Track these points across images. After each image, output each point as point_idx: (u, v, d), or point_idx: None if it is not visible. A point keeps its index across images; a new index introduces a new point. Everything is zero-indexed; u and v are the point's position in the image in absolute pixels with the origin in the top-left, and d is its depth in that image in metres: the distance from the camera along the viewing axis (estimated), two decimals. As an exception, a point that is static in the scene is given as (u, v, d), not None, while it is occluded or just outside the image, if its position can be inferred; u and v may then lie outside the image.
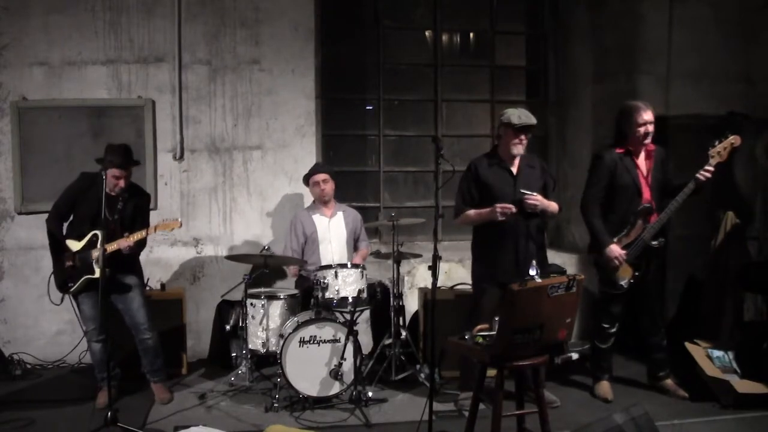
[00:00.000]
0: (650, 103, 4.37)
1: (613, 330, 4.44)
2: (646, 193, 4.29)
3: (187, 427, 3.69)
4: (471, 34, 6.41)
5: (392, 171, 6.19)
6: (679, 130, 5.35)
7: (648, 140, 4.28)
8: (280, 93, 5.49)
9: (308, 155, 5.55)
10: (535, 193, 4.12)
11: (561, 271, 5.11)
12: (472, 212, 4.24)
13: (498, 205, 4.08)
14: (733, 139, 4.18)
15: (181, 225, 4.22)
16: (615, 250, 4.25)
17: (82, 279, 4.14)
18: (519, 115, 4.14)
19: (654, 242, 4.26)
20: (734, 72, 5.90)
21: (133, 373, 4.50)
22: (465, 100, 6.29)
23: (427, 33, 6.26)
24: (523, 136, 4.18)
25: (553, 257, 5.73)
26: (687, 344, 4.55)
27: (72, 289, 4.18)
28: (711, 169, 4.15)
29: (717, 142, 4.19)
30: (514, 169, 4.24)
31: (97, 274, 4.02)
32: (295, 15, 5.48)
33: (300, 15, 5.49)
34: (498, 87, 6.32)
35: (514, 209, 4.09)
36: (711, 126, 5.32)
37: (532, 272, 3.23)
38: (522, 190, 4.13)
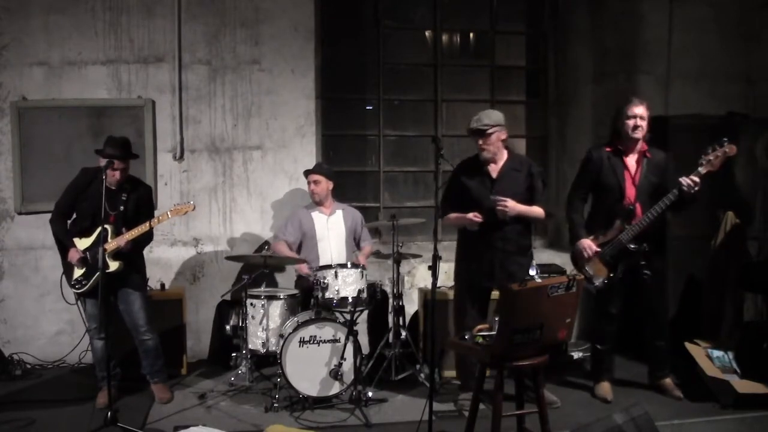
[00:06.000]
0: (650, 103, 4.35)
1: (611, 329, 4.43)
2: (630, 195, 4.19)
3: (187, 427, 3.70)
4: (471, 34, 6.40)
5: (392, 171, 6.18)
6: (679, 130, 5.33)
7: (637, 134, 4.16)
8: (280, 93, 5.49)
9: (308, 155, 5.54)
10: (506, 199, 4.01)
11: (561, 271, 5.11)
12: (452, 216, 4.22)
13: (469, 215, 4.04)
14: (728, 149, 3.93)
15: (194, 208, 4.25)
16: (586, 242, 4.24)
17: (97, 275, 4.10)
18: (475, 119, 4.10)
19: (632, 245, 4.14)
20: (734, 72, 5.89)
21: (133, 373, 4.49)
22: (465, 100, 6.27)
23: (427, 33, 6.25)
24: (481, 141, 4.09)
25: (553, 257, 5.73)
26: (687, 344, 4.55)
27: (86, 287, 4.16)
28: (696, 179, 3.93)
29: (710, 150, 3.98)
30: (494, 173, 4.17)
31: (112, 268, 4.10)
32: (295, 15, 5.47)
33: (300, 15, 5.49)
34: (498, 87, 6.31)
35: (479, 219, 4.02)
36: (711, 126, 5.32)
37: (532, 272, 3.22)
38: (492, 196, 4.06)
